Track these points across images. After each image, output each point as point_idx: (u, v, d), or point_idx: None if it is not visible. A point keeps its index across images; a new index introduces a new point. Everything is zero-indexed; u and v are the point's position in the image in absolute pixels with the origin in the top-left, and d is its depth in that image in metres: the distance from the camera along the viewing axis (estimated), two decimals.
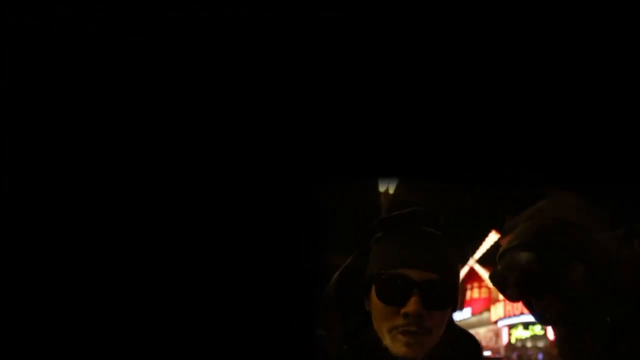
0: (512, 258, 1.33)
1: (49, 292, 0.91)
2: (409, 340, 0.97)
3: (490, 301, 19.34)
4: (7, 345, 0.89)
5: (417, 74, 1.04)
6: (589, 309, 1.27)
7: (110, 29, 0.96)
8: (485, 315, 19.43)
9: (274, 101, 1.01)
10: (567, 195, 1.33)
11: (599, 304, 1.27)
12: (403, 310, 0.97)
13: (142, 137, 0.97)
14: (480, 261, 18.84)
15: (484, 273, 19.22)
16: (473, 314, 19.75)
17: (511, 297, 1.40)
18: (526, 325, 17.00)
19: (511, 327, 17.89)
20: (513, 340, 17.87)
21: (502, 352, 18.01)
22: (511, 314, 17.02)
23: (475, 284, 19.73)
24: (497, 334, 18.80)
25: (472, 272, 19.33)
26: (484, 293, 19.74)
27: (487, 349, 18.93)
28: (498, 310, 18.28)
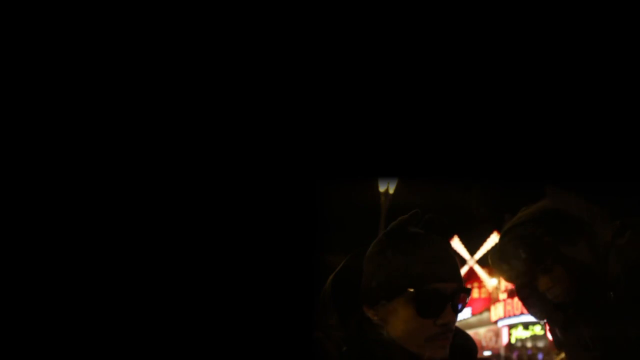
0: (523, 230, 1.34)
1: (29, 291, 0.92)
2: (445, 344, 1.05)
3: (490, 301, 19.33)
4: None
5: (417, 74, 1.04)
6: (588, 289, 1.29)
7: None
8: (485, 315, 19.41)
9: (275, 102, 1.01)
10: (568, 194, 1.34)
11: (597, 286, 1.29)
12: (440, 322, 1.04)
13: (141, 137, 0.97)
14: (480, 262, 18.83)
15: (483, 273, 19.21)
16: (473, 314, 19.73)
17: (512, 275, 1.40)
18: (526, 325, 16.99)
19: (511, 327, 17.87)
20: (513, 340, 17.86)
21: (502, 352, 18.00)
22: (511, 314, 17.01)
23: (475, 284, 19.72)
24: (497, 334, 18.79)
25: (472, 272, 19.32)
26: (484, 293, 19.73)
27: (487, 349, 18.91)
28: (498, 310, 18.27)
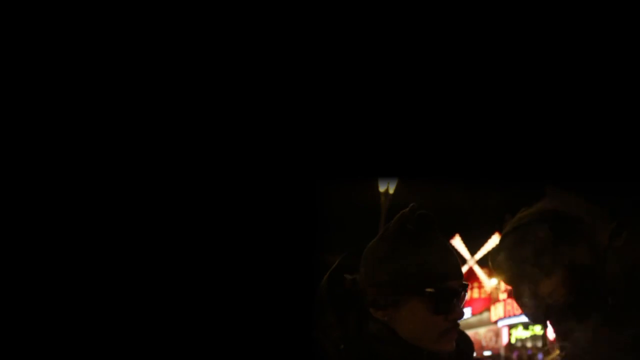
0: (525, 232, 1.33)
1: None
2: (454, 337, 1.10)
3: (490, 301, 19.32)
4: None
5: (417, 75, 1.04)
6: (588, 292, 1.28)
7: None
8: (485, 315, 19.40)
9: (276, 102, 1.01)
10: (568, 194, 1.34)
11: (597, 289, 1.28)
12: (451, 317, 1.09)
13: (142, 138, 0.97)
14: (480, 262, 18.83)
15: (482, 274, 19.20)
16: (473, 314, 19.72)
17: (513, 278, 1.38)
18: (526, 325, 16.97)
19: (511, 327, 17.86)
20: (513, 340, 17.85)
21: (502, 352, 17.99)
22: (511, 314, 17.00)
23: (475, 284, 19.71)
24: (497, 334, 18.78)
25: (471, 272, 19.32)
26: (484, 293, 19.72)
27: (487, 349, 18.91)
28: (498, 310, 18.26)
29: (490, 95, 1.05)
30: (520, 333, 17.55)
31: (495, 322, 18.52)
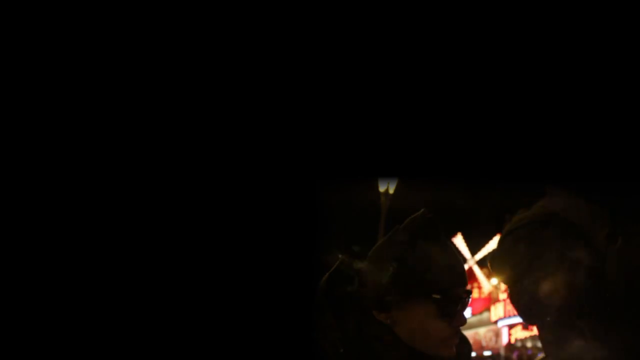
0: (526, 232, 1.32)
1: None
2: (455, 343, 1.11)
3: (490, 301, 19.32)
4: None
5: (417, 75, 1.04)
6: (588, 295, 1.27)
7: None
8: (485, 315, 19.40)
9: (276, 102, 1.01)
10: (568, 194, 1.33)
11: (596, 293, 1.27)
12: (455, 323, 1.10)
13: (142, 138, 0.97)
14: (480, 263, 18.82)
15: (480, 275, 19.18)
16: (473, 314, 19.72)
17: (512, 278, 1.37)
18: (526, 325, 16.97)
19: (511, 327, 17.86)
20: (513, 340, 17.85)
21: (502, 352, 17.98)
22: (511, 314, 16.99)
23: (476, 284, 19.71)
24: (497, 334, 18.78)
25: (472, 272, 19.32)
26: (482, 293, 19.71)
27: (487, 349, 18.90)
28: (498, 310, 18.25)
29: (491, 96, 1.05)
30: (520, 333, 17.55)
31: (496, 322, 18.52)
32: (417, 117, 1.04)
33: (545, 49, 1.04)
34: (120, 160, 0.96)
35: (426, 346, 1.08)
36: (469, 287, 1.14)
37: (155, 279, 0.94)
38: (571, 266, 1.29)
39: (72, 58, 0.96)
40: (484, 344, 18.99)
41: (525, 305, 1.38)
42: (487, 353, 18.62)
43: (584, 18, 1.03)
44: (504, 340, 18.26)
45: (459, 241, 17.96)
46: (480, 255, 18.45)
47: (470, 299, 1.13)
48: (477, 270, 19.18)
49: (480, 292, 19.86)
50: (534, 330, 1.51)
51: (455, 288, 1.10)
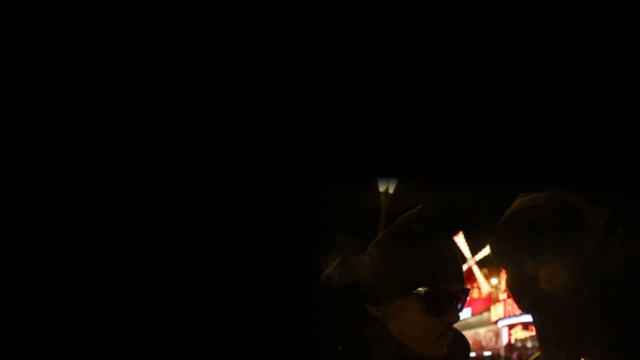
0: (531, 215, 1.29)
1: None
2: (447, 342, 1.08)
3: (490, 301, 19.32)
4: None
5: (417, 74, 1.04)
6: (588, 285, 1.25)
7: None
8: (485, 315, 19.40)
9: (275, 102, 1.01)
10: (568, 194, 1.32)
11: (596, 282, 1.25)
12: (446, 320, 1.06)
13: (141, 137, 0.97)
14: (480, 263, 18.82)
15: (479, 275, 19.18)
16: (473, 314, 19.72)
17: (512, 263, 1.34)
18: (526, 325, 16.98)
19: (511, 327, 17.86)
20: (513, 341, 17.85)
21: (502, 353, 17.99)
22: (511, 314, 17.00)
23: (475, 284, 19.71)
24: (497, 334, 18.78)
25: (472, 272, 19.32)
26: (484, 293, 19.71)
27: (487, 349, 18.90)
28: (498, 310, 18.26)
29: (491, 96, 1.05)
30: (520, 333, 17.56)
31: (495, 322, 18.53)
32: (417, 117, 1.04)
33: (545, 49, 1.04)
34: (119, 159, 0.96)
35: (416, 343, 1.06)
36: (464, 284, 1.11)
37: (155, 279, 0.94)
38: (573, 255, 1.26)
39: (72, 58, 0.96)
40: (483, 344, 18.99)
41: (523, 291, 1.36)
42: (487, 353, 18.63)
43: (584, 18, 1.03)
44: (504, 340, 18.26)
45: (460, 240, 17.95)
46: (480, 255, 18.45)
47: (466, 297, 1.10)
48: (476, 270, 19.17)
49: (480, 292, 19.85)
50: (534, 330, 1.49)
51: (445, 283, 1.07)
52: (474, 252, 18.77)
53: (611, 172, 1.06)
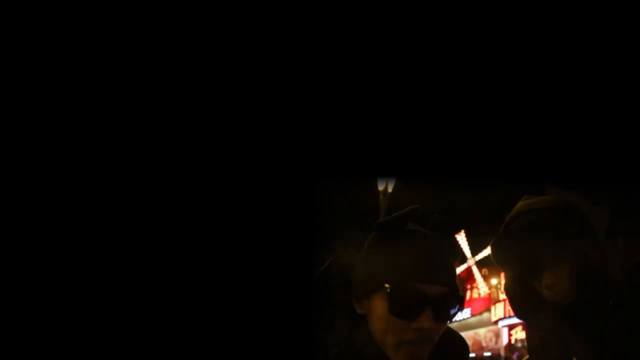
0: (536, 217, 1.24)
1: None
2: (415, 351, 0.98)
3: (490, 301, 19.32)
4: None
5: (417, 74, 1.04)
6: (590, 292, 1.23)
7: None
8: (485, 315, 19.40)
9: (275, 102, 1.01)
10: (568, 194, 1.32)
11: (598, 290, 1.23)
12: (415, 326, 0.96)
13: (141, 137, 0.97)
14: (480, 263, 18.81)
15: (478, 276, 19.17)
16: (473, 315, 19.72)
17: (514, 266, 1.30)
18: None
19: (511, 327, 17.86)
20: (513, 341, 17.85)
21: (502, 353, 17.98)
22: (511, 314, 16.98)
23: (475, 284, 19.71)
24: (497, 335, 18.78)
25: (472, 272, 19.32)
26: (483, 293, 19.71)
27: (487, 350, 18.90)
28: (498, 310, 18.26)
29: (491, 96, 1.05)
30: (520, 334, 17.55)
31: (496, 323, 18.52)
32: (416, 117, 1.04)
33: (545, 49, 1.03)
34: (119, 159, 0.96)
35: (385, 345, 0.99)
36: (453, 290, 0.99)
37: (155, 279, 0.94)
38: (576, 259, 1.24)
39: (72, 58, 0.96)
40: (483, 344, 18.99)
41: (523, 296, 1.33)
42: (487, 354, 18.62)
43: (584, 18, 1.03)
44: (504, 340, 18.26)
45: (461, 238, 17.87)
46: (481, 255, 18.44)
47: (446, 302, 0.98)
48: (475, 270, 19.17)
49: (479, 293, 19.86)
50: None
51: (414, 282, 0.96)
52: (474, 253, 18.76)
53: (611, 172, 1.05)
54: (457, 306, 1.01)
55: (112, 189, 0.94)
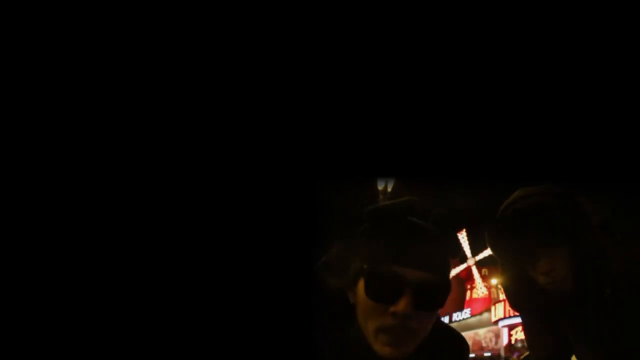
0: (533, 201, 1.22)
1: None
2: (393, 340, 0.94)
3: (490, 301, 19.33)
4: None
5: (417, 75, 1.04)
6: (587, 282, 1.21)
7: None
8: (485, 315, 19.41)
9: (275, 102, 1.01)
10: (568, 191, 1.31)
11: (596, 281, 1.22)
12: (392, 309, 0.93)
13: (141, 138, 0.97)
14: (480, 263, 18.81)
15: (477, 276, 19.17)
16: (473, 315, 19.73)
17: (510, 252, 1.28)
18: None
19: (511, 327, 17.87)
20: (513, 341, 17.86)
21: (502, 353, 17.99)
22: (511, 314, 17.00)
23: (474, 285, 19.72)
24: (497, 335, 18.79)
25: (471, 272, 19.33)
26: (476, 294, 19.71)
27: (487, 350, 18.91)
28: (498, 310, 18.27)
29: (491, 96, 1.05)
30: (520, 334, 17.55)
31: (496, 323, 18.54)
32: (416, 117, 1.04)
33: (545, 49, 1.04)
34: (119, 159, 0.96)
35: (367, 333, 0.95)
36: (427, 273, 0.94)
37: (155, 279, 0.94)
38: (573, 244, 1.23)
39: (72, 58, 0.96)
40: (483, 344, 19.00)
41: (518, 284, 1.31)
42: (487, 354, 18.63)
43: (584, 18, 1.03)
44: (504, 341, 18.27)
45: (462, 237, 17.85)
46: (481, 256, 18.45)
47: (428, 288, 0.94)
48: (475, 271, 19.17)
49: (479, 293, 19.87)
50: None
51: (392, 265, 0.93)
52: (474, 253, 18.77)
53: (611, 172, 1.05)
54: (442, 296, 0.97)
55: (112, 189, 0.94)
